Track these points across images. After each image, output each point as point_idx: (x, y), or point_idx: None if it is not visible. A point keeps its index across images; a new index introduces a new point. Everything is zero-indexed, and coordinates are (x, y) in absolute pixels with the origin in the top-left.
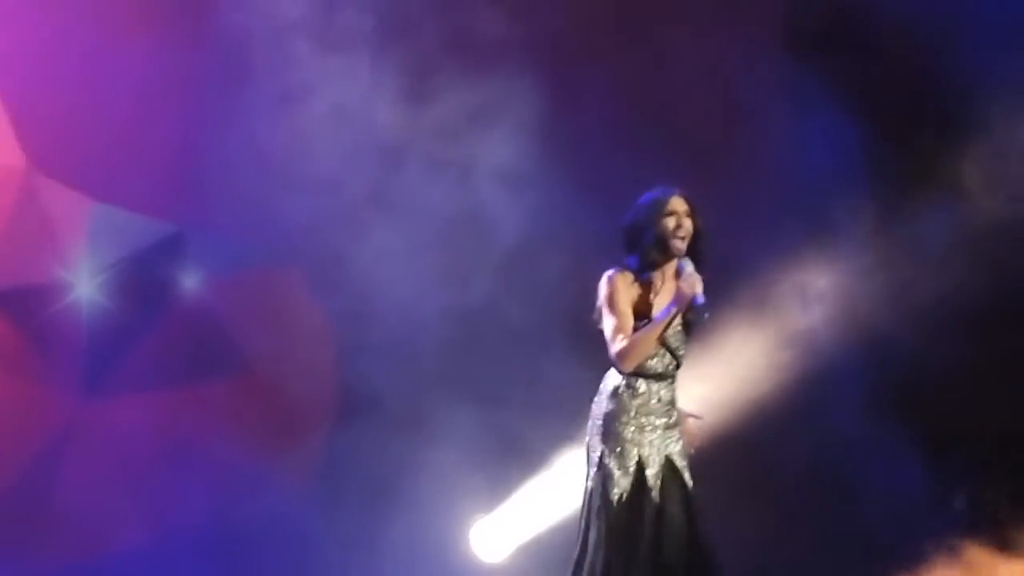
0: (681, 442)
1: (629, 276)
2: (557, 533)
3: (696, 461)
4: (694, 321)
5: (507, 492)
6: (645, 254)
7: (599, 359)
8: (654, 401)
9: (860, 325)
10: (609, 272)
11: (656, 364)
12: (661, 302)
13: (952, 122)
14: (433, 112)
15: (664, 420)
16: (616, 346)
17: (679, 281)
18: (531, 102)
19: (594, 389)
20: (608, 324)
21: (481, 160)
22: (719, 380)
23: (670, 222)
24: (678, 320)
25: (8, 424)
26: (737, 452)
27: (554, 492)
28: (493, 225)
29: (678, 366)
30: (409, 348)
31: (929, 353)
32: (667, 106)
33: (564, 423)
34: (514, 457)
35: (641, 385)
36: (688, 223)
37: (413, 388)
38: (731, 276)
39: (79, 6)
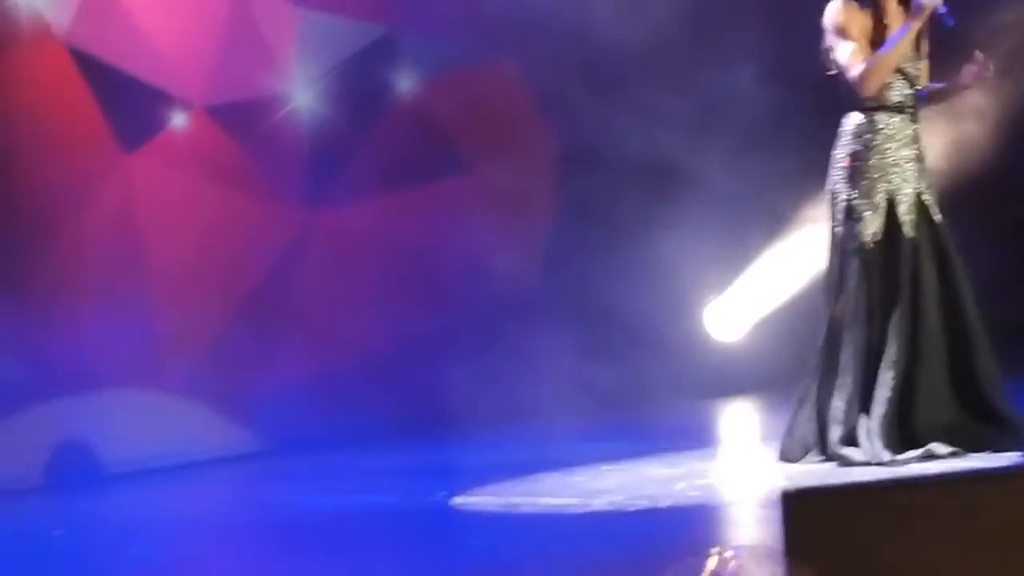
0: (928, 175)
1: (854, 3)
2: (792, 307)
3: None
4: (939, 34)
5: (737, 274)
6: None
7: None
8: (898, 135)
9: None
10: (833, 2)
11: (894, 94)
12: (894, 25)
13: None
14: None
15: (910, 153)
16: (855, 70)
17: None
18: None
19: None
20: (842, 51)
21: None
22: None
23: None
24: (911, 46)
25: (241, 237)
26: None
27: (785, 266)
28: None
29: (916, 95)
30: (623, 154)
31: None
32: None
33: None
34: (742, 237)
35: (882, 119)
36: None
37: (629, 189)
38: None
39: None
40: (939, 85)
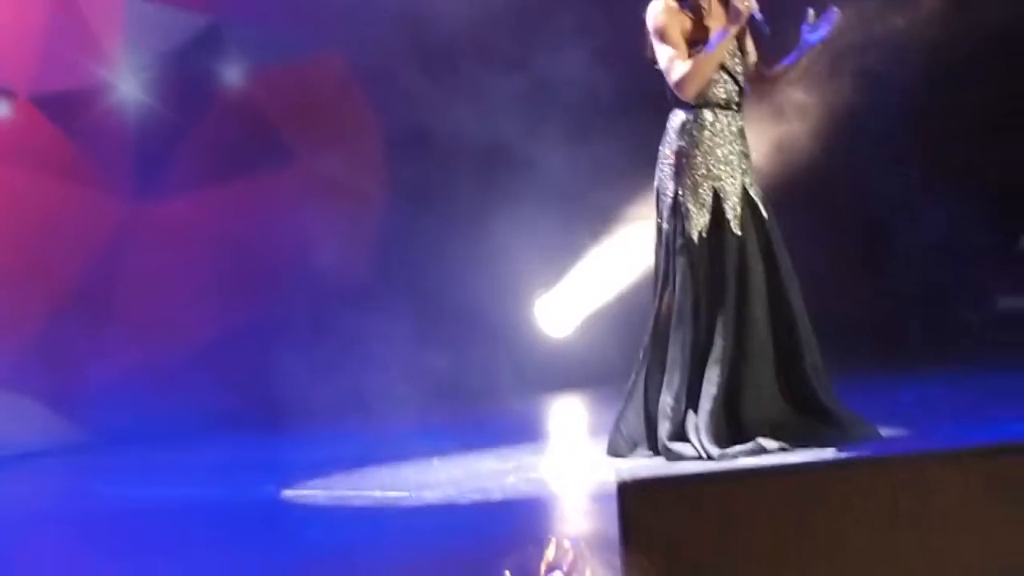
0: (754, 172)
1: (674, 6)
2: (620, 303)
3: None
4: (755, 36)
5: (567, 267)
6: None
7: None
8: (724, 131)
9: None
10: (654, 5)
11: (719, 91)
12: (715, 25)
13: None
14: None
15: (737, 150)
16: (675, 74)
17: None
18: None
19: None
20: (663, 54)
21: None
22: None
23: None
24: (734, 44)
25: (66, 229)
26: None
27: (613, 262)
28: None
29: (742, 91)
30: (456, 139)
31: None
32: None
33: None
34: (572, 232)
35: (708, 116)
36: None
37: (460, 176)
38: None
39: None
40: (774, 70)
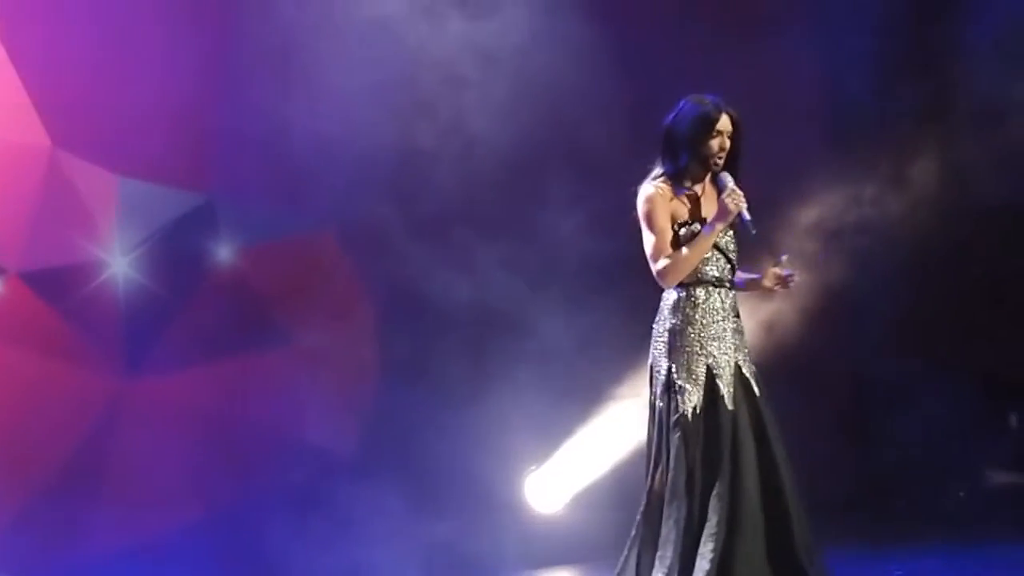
0: (747, 350)
1: (667, 191)
2: (611, 479)
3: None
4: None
5: (559, 442)
6: (684, 168)
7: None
8: (716, 309)
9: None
10: (646, 189)
11: (712, 269)
12: (705, 213)
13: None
14: None
15: (730, 327)
16: (657, 265)
17: (722, 197)
18: None
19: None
20: (648, 242)
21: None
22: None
23: (715, 143)
24: (727, 225)
25: (53, 407)
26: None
27: (605, 438)
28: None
29: (734, 270)
30: (450, 308)
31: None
32: None
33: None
34: (564, 406)
35: (701, 294)
36: (729, 144)
37: (452, 350)
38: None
39: None
40: (750, 276)
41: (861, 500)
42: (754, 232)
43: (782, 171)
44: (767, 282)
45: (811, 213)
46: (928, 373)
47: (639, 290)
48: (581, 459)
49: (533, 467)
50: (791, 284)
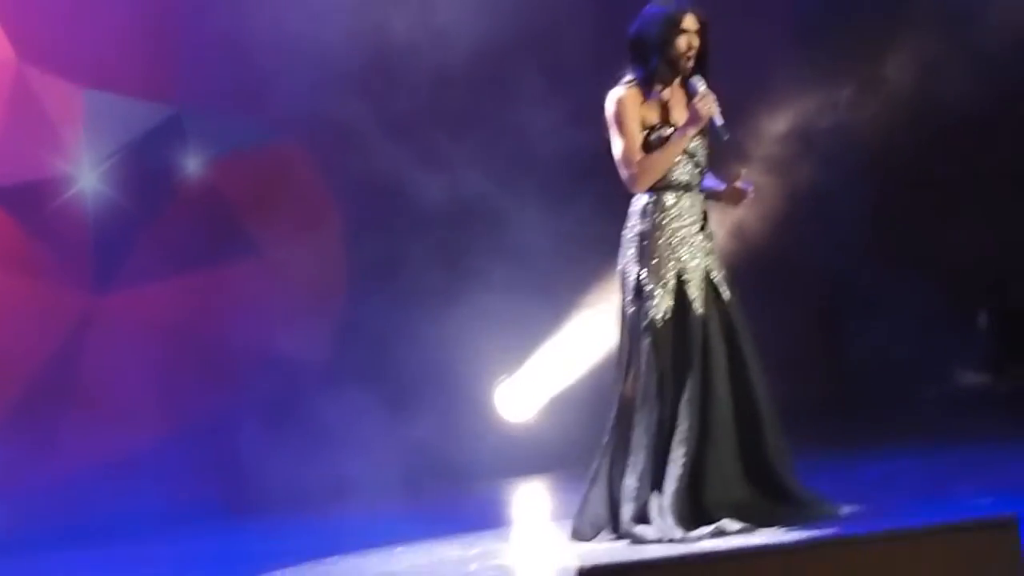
0: (716, 253)
1: (637, 94)
2: (582, 386)
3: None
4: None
5: (533, 346)
6: (652, 70)
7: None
8: (685, 214)
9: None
10: (616, 92)
11: (681, 174)
12: (677, 113)
13: None
14: None
15: (698, 232)
16: (626, 170)
17: (693, 101)
18: None
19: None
20: (617, 147)
21: None
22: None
23: (682, 42)
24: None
25: (25, 322)
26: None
27: (578, 345)
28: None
29: (702, 174)
30: (415, 218)
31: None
32: None
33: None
34: (532, 314)
35: (669, 198)
36: (698, 42)
37: (422, 261)
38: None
39: None
40: (714, 185)
41: (832, 403)
42: (726, 137)
43: (748, 72)
44: (725, 198)
45: (777, 115)
46: (899, 273)
47: (614, 189)
48: (553, 366)
49: (504, 376)
50: (747, 199)
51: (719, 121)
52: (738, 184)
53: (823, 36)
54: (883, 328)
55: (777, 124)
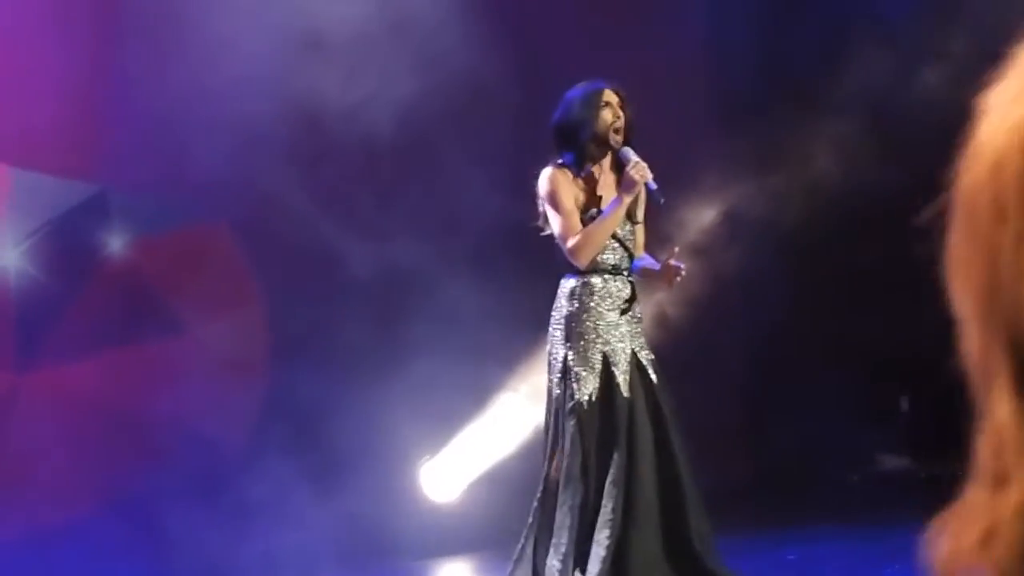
0: (644, 336)
1: (568, 172)
2: (508, 466)
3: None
4: (649, 204)
5: (453, 432)
6: (582, 149)
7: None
8: (613, 296)
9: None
10: (546, 170)
11: (609, 257)
12: (607, 194)
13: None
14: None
15: (626, 315)
16: (569, 243)
17: (627, 169)
18: None
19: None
20: (555, 223)
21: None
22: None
23: (607, 115)
24: (624, 212)
25: None
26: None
27: (499, 426)
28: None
29: (631, 257)
30: (343, 288)
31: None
32: None
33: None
34: (457, 396)
35: (597, 282)
36: (622, 115)
37: (350, 332)
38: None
39: None
40: (647, 264)
41: (756, 486)
42: (661, 201)
43: (671, 157)
44: (658, 276)
45: (702, 202)
46: (822, 359)
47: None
48: (479, 444)
49: (427, 456)
50: (678, 278)
51: (653, 186)
52: (671, 262)
53: (745, 122)
54: (806, 413)
55: (702, 211)
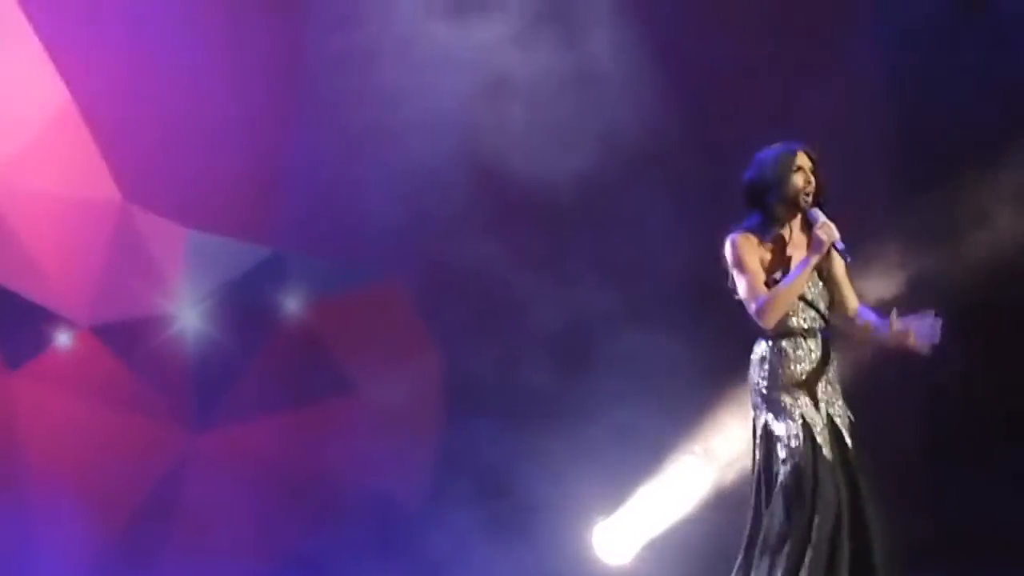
0: (841, 397)
1: (752, 237)
2: (682, 530)
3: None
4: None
5: (630, 490)
6: (770, 211)
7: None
8: (804, 359)
9: None
10: (731, 236)
11: (798, 322)
12: (796, 255)
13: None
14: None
15: (820, 376)
16: (754, 305)
17: (815, 230)
18: None
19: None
20: (742, 285)
21: None
22: None
23: (799, 179)
24: (814, 274)
25: (126, 460)
26: None
27: (677, 488)
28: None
29: (824, 319)
30: (520, 345)
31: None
32: None
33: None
34: (635, 453)
35: (787, 345)
36: (814, 179)
37: (527, 389)
38: None
39: (166, 33)
40: (871, 321)
41: (936, 556)
42: (848, 260)
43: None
44: (891, 341)
45: (887, 257)
46: (1006, 426)
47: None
48: (653, 507)
49: (602, 517)
50: (915, 342)
51: (841, 246)
52: (895, 328)
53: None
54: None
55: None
